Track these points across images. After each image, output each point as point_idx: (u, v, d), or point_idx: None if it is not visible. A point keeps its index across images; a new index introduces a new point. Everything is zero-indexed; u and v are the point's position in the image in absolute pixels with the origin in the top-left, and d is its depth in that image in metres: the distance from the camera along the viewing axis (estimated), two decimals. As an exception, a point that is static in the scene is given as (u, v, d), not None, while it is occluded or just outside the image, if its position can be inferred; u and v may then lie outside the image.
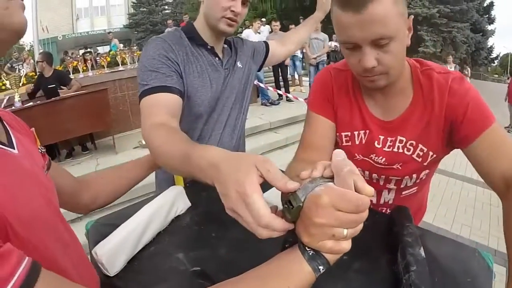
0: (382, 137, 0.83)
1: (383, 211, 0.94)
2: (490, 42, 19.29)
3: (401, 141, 0.81)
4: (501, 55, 32.35)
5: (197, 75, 1.00)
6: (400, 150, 0.81)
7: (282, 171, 0.42)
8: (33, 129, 0.63)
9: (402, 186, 0.88)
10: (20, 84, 4.35)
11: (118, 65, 4.84)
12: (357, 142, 0.86)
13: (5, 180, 0.39)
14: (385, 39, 0.64)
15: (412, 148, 0.80)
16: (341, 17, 0.65)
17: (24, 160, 0.46)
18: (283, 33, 6.62)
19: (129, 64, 4.79)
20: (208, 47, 1.05)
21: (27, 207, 0.40)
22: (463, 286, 0.58)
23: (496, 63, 31.40)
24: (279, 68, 6.66)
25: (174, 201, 0.82)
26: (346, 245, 0.38)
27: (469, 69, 10.77)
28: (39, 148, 0.60)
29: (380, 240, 0.68)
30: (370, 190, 0.38)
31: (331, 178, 0.41)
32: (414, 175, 0.85)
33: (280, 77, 6.76)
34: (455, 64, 9.02)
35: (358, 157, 0.87)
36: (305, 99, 5.38)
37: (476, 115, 0.70)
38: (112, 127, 3.96)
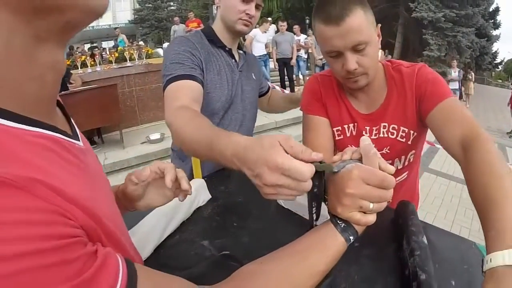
0: (368, 128, 0.95)
1: None
2: (495, 47, 19.32)
3: (384, 127, 0.93)
4: (505, 60, 32.30)
5: (216, 73, 1.09)
6: (385, 135, 0.93)
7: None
8: None
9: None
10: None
11: (126, 60, 4.90)
12: (348, 135, 0.98)
13: (87, 178, 0.36)
14: (362, 45, 0.78)
15: (395, 132, 0.92)
16: (324, 31, 0.78)
17: (89, 154, 0.42)
18: (289, 33, 6.68)
19: (136, 60, 4.86)
20: (226, 48, 1.14)
21: (105, 203, 0.38)
22: (460, 273, 0.64)
23: (500, 68, 31.35)
24: (285, 68, 6.72)
25: (197, 193, 0.89)
26: (372, 218, 0.46)
27: (473, 73, 10.80)
28: None
29: (387, 231, 0.75)
30: (392, 168, 0.46)
31: (359, 160, 0.48)
32: (403, 157, 0.95)
33: (286, 77, 6.82)
34: (459, 69, 9.05)
35: (351, 147, 0.97)
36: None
37: (435, 90, 0.83)
38: (120, 122, 4.03)
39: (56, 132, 0.35)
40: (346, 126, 0.97)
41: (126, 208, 0.66)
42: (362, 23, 0.77)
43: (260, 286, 0.41)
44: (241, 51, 1.24)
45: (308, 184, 0.41)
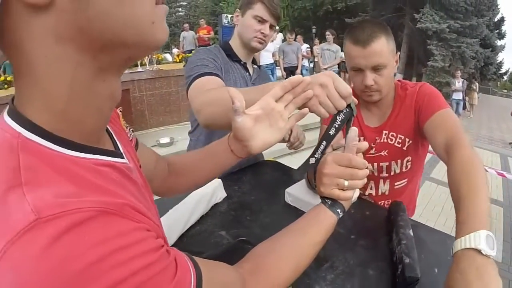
0: (374, 138, 1.09)
1: (382, 204, 1.14)
2: (500, 57, 19.35)
3: (385, 134, 1.07)
4: (510, 70, 32.19)
5: (232, 83, 1.21)
6: (385, 140, 1.08)
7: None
8: (120, 108, 0.60)
9: (392, 174, 1.10)
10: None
11: (137, 65, 5.05)
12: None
13: (140, 192, 0.38)
14: (380, 66, 0.94)
15: (393, 138, 1.06)
16: (352, 50, 0.95)
17: (135, 168, 0.43)
18: (296, 43, 6.82)
19: (147, 65, 5.00)
20: (242, 62, 1.27)
21: (154, 210, 0.40)
22: (443, 262, 0.75)
23: (505, 78, 31.26)
24: (291, 76, 6.87)
25: (214, 191, 1.01)
26: (349, 194, 0.56)
27: (477, 84, 10.84)
28: (127, 132, 0.56)
29: (381, 226, 0.87)
30: (364, 146, 0.58)
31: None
32: (399, 161, 1.08)
33: None
34: (462, 79, 9.09)
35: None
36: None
37: (431, 103, 0.96)
38: (132, 125, 4.17)
39: (109, 156, 0.36)
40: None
41: (240, 156, 0.62)
42: (383, 49, 0.93)
43: (274, 259, 0.51)
44: (255, 66, 1.37)
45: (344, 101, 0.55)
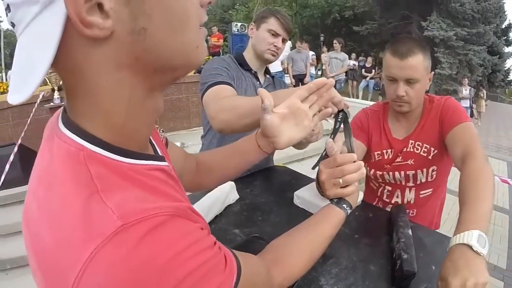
0: (401, 149, 1.17)
1: (408, 212, 1.17)
2: (508, 64, 19.21)
3: (411, 144, 1.15)
4: (519, 77, 31.82)
5: (243, 91, 1.30)
6: (411, 150, 1.15)
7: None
8: None
9: (418, 182, 1.17)
10: (60, 83, 4.76)
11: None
12: (385, 157, 1.21)
13: (182, 191, 0.42)
14: (413, 80, 1.02)
15: (419, 147, 1.14)
16: (390, 60, 1.04)
17: (172, 168, 0.45)
18: (305, 52, 6.93)
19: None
20: (252, 71, 1.36)
21: None
22: (440, 260, 0.78)
23: (514, 86, 30.91)
24: (300, 84, 6.95)
25: (228, 193, 1.09)
26: (350, 189, 0.61)
27: (484, 91, 10.78)
28: (159, 133, 0.60)
29: (382, 226, 0.94)
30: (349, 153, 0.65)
31: None
32: (424, 169, 1.14)
33: None
34: (469, 87, 9.06)
35: (386, 166, 1.21)
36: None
37: (454, 115, 1.04)
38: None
39: (155, 160, 0.40)
40: (384, 151, 1.21)
41: (267, 151, 0.68)
42: (419, 65, 1.01)
43: (289, 251, 0.57)
44: (268, 76, 1.45)
45: None
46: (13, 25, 0.31)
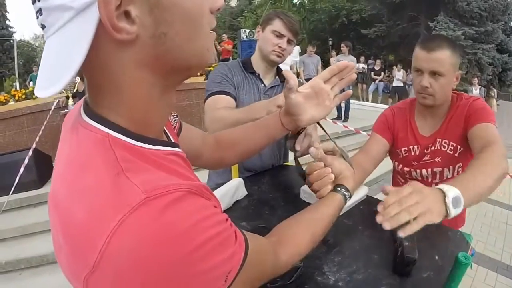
0: (428, 145, 1.20)
1: None
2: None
3: (439, 141, 1.17)
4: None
5: (247, 92, 1.36)
6: (439, 148, 1.17)
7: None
8: None
9: (444, 179, 1.19)
10: (74, 90, 4.90)
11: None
12: (412, 154, 1.24)
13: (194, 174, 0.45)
14: (438, 73, 1.06)
15: (446, 145, 1.16)
16: (418, 53, 1.08)
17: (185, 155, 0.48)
18: (316, 56, 7.00)
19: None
20: (256, 74, 1.40)
21: None
22: (443, 251, 0.83)
23: (527, 85, 30.21)
24: None
25: (236, 189, 1.13)
26: (322, 191, 0.69)
27: (495, 90, 10.60)
28: (170, 120, 0.64)
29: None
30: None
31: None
32: (451, 167, 1.17)
33: None
34: (480, 86, 8.94)
35: (414, 163, 1.24)
36: (332, 120, 5.63)
37: (478, 114, 1.06)
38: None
39: (171, 146, 0.44)
40: (411, 147, 1.24)
41: (289, 128, 0.75)
42: (445, 60, 1.05)
43: (293, 232, 0.62)
44: (278, 79, 1.45)
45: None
46: (43, 26, 0.35)
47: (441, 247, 0.86)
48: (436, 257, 0.82)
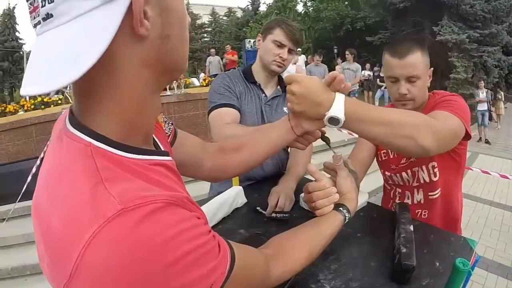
0: None
1: (419, 213, 1.20)
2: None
3: None
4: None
5: (248, 102, 1.36)
6: None
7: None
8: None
9: (422, 181, 1.16)
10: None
11: (165, 89, 5.36)
12: (391, 156, 1.23)
13: (182, 183, 0.46)
14: (414, 77, 1.04)
15: None
16: (390, 61, 1.06)
17: (174, 164, 0.48)
18: (323, 65, 7.03)
19: (175, 89, 5.27)
20: (257, 84, 1.40)
21: None
22: (444, 257, 0.81)
23: (536, 87, 29.77)
24: None
25: (236, 197, 1.13)
26: (324, 210, 0.68)
27: (502, 93, 10.47)
28: (164, 128, 0.65)
29: (385, 226, 0.95)
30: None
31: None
32: (424, 166, 1.14)
33: None
34: (486, 89, 8.81)
35: (393, 167, 1.22)
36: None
37: (440, 106, 0.98)
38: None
39: (158, 155, 0.44)
40: (389, 150, 1.23)
41: (297, 132, 0.75)
42: (418, 62, 1.04)
43: (290, 247, 0.61)
44: (279, 88, 1.44)
45: None
46: (48, 16, 0.33)
47: (443, 253, 0.84)
48: (437, 264, 0.80)
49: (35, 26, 0.35)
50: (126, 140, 0.40)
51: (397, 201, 1.25)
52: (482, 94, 8.41)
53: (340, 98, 0.65)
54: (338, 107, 0.64)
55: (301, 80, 0.66)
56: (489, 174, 3.14)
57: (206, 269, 0.36)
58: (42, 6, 0.33)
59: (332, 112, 0.65)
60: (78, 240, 0.31)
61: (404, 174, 1.19)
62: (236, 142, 0.80)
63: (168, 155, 0.47)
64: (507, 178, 3.01)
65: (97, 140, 0.38)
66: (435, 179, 1.14)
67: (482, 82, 8.91)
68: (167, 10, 0.39)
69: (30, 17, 0.35)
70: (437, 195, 1.17)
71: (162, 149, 0.53)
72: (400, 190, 1.25)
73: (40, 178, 0.41)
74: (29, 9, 0.35)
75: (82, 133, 0.38)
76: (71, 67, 0.31)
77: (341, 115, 0.65)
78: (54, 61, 0.33)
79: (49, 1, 0.33)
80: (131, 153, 0.39)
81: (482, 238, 3.14)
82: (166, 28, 0.39)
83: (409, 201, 1.22)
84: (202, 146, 0.78)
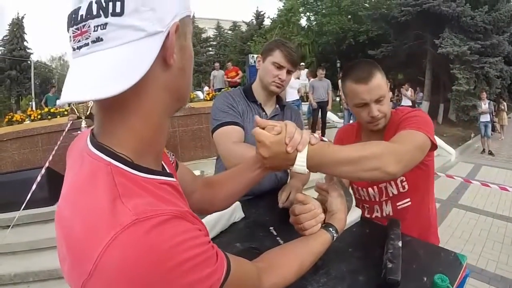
0: None
1: None
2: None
3: None
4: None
5: (250, 121, 1.39)
6: None
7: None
8: None
9: (390, 195, 1.19)
10: (87, 113, 5.06)
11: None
12: None
13: (185, 201, 0.52)
14: (382, 97, 1.09)
15: None
16: (356, 88, 1.09)
17: (178, 185, 0.54)
18: (326, 80, 7.08)
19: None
20: (258, 103, 1.45)
21: None
22: (433, 272, 0.80)
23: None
24: (320, 111, 7.04)
25: (233, 211, 1.17)
26: (310, 230, 0.74)
27: (505, 104, 10.45)
28: (168, 156, 0.70)
29: (376, 241, 0.98)
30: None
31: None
32: (393, 182, 1.18)
33: (319, 119, 7.14)
34: (489, 100, 8.79)
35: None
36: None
37: (406, 123, 1.02)
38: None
39: (165, 176, 0.50)
40: None
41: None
42: (381, 82, 1.09)
43: (281, 261, 0.66)
44: (278, 107, 1.50)
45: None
46: (97, 40, 0.40)
47: (431, 268, 0.86)
48: (425, 279, 0.82)
49: (79, 48, 0.41)
50: (140, 158, 0.47)
51: (365, 215, 1.28)
52: (485, 105, 8.40)
53: (301, 155, 0.70)
54: (299, 163, 0.71)
55: (269, 145, 0.71)
56: (489, 186, 3.14)
57: (204, 273, 0.42)
58: (94, 31, 0.40)
59: (295, 168, 0.72)
60: (98, 244, 0.37)
61: (370, 189, 1.22)
62: (218, 177, 0.90)
63: (173, 177, 0.53)
64: (507, 190, 3.01)
65: (115, 160, 0.45)
66: (403, 191, 1.18)
67: (484, 93, 8.89)
68: (184, 47, 0.49)
69: (74, 40, 0.42)
70: (406, 204, 1.20)
71: (168, 171, 0.60)
72: (367, 206, 1.28)
73: (64, 192, 0.48)
74: (74, 33, 0.42)
75: (103, 153, 0.45)
76: (115, 83, 0.39)
77: (302, 169, 0.71)
78: (101, 77, 0.40)
79: (102, 28, 0.40)
80: (143, 172, 0.46)
81: (484, 251, 3.12)
82: (182, 61, 0.48)
83: (378, 214, 1.25)
84: (193, 178, 0.83)
